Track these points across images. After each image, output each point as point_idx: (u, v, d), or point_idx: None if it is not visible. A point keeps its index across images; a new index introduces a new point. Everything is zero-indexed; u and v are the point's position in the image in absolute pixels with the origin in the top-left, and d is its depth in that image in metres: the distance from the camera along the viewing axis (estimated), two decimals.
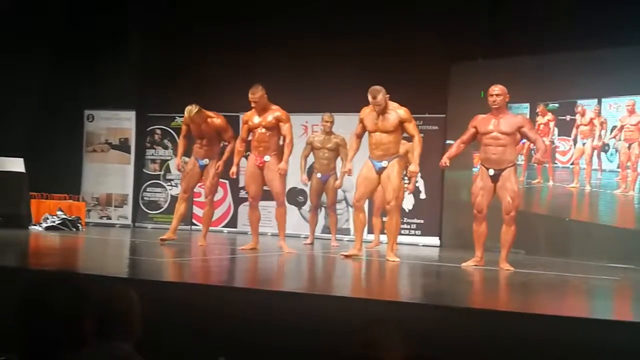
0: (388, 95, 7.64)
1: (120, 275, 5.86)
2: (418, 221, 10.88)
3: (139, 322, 2.82)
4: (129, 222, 12.12)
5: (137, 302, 2.88)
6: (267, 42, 11.20)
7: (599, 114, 9.44)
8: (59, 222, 10.44)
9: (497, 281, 6.93)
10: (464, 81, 10.48)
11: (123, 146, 12.23)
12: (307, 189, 10.45)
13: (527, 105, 10.04)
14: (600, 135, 9.45)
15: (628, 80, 9.18)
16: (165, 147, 12.07)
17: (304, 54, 10.97)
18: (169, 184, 12.02)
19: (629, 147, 9.15)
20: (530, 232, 9.42)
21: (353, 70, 10.10)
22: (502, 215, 7.42)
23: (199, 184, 9.14)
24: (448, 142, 10.57)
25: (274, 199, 8.69)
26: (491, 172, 7.44)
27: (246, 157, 8.91)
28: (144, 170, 12.22)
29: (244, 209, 11.66)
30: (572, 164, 9.75)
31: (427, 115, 10.89)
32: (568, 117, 9.76)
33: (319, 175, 9.85)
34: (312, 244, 9.81)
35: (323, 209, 10.51)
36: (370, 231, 10.04)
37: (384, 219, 8.54)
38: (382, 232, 9.12)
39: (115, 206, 12.21)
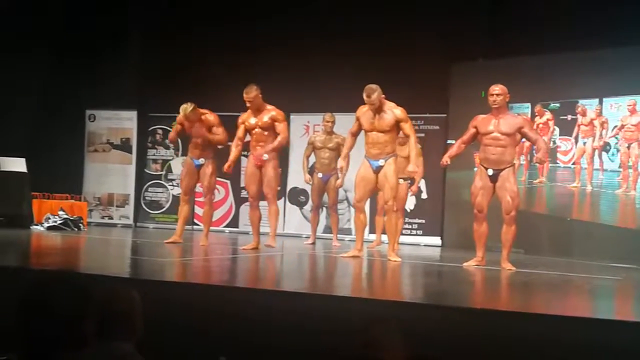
0: (384, 95, 7.64)
1: (122, 275, 5.86)
2: (419, 221, 10.88)
3: (140, 322, 2.82)
4: (130, 222, 12.13)
5: (139, 302, 2.88)
6: (267, 42, 11.20)
7: (600, 114, 9.44)
8: (61, 222, 10.45)
9: (498, 281, 6.92)
10: (464, 81, 10.48)
11: (124, 146, 12.24)
12: (308, 189, 10.45)
13: (528, 105, 10.04)
14: (601, 135, 9.45)
15: (629, 80, 9.17)
16: (167, 147, 12.07)
17: (305, 54, 10.98)
18: (171, 183, 12.02)
19: (628, 147, 9.15)
20: (531, 231, 9.42)
21: (354, 70, 10.10)
22: (502, 215, 7.43)
23: (198, 184, 9.14)
24: (449, 141, 10.58)
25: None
26: (490, 172, 7.45)
27: (246, 155, 8.93)
28: (146, 170, 12.23)
29: (245, 209, 11.66)
30: (573, 163, 9.75)
31: (428, 115, 10.89)
32: (569, 117, 9.76)
33: (320, 175, 9.86)
34: (313, 243, 9.81)
35: (324, 208, 10.51)
36: (372, 231, 10.05)
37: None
38: (383, 232, 9.11)
39: (116, 206, 12.22)
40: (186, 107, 8.50)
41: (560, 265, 8.15)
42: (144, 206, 12.18)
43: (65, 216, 10.60)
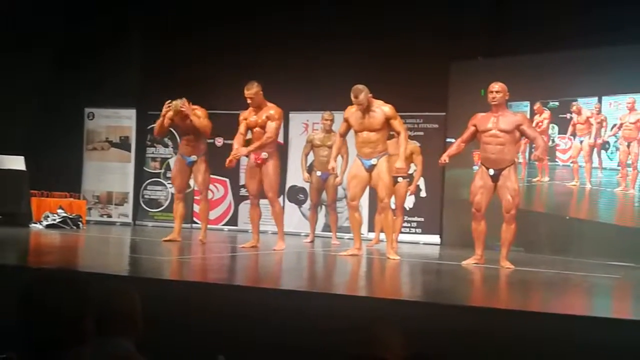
0: (370, 94, 7.65)
1: (121, 273, 5.86)
2: (418, 219, 10.88)
3: (139, 320, 2.83)
4: (129, 220, 12.13)
5: (138, 300, 2.88)
6: (266, 40, 11.20)
7: (599, 112, 9.44)
8: (60, 220, 10.45)
9: (497, 279, 6.93)
10: (464, 79, 10.48)
11: (123, 144, 12.24)
12: (307, 187, 10.45)
13: (527, 103, 10.03)
14: (600, 134, 9.44)
15: (628, 78, 9.17)
16: (166, 145, 12.07)
17: (304, 53, 10.97)
18: (170, 182, 12.01)
19: (628, 146, 9.15)
20: (530, 230, 9.42)
21: (353, 68, 10.10)
22: (503, 214, 7.44)
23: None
24: (448, 140, 10.57)
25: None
26: (491, 172, 7.45)
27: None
28: (145, 169, 12.23)
29: (244, 207, 11.66)
30: (571, 162, 9.75)
31: (427, 114, 10.89)
32: (568, 115, 9.76)
33: (319, 173, 9.86)
34: (312, 242, 9.81)
35: (323, 207, 10.52)
36: (372, 229, 10.06)
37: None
38: (382, 230, 9.12)
39: (115, 204, 12.21)
40: (177, 104, 8.47)
41: (558, 263, 8.16)
42: (142, 204, 12.18)
43: (64, 214, 10.60)
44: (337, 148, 8.15)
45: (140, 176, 12.19)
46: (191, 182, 9.67)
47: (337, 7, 10.96)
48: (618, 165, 9.27)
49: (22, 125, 11.49)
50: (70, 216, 10.62)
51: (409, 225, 10.83)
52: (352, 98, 7.61)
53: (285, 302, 4.68)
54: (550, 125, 9.95)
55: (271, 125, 8.29)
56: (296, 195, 11.31)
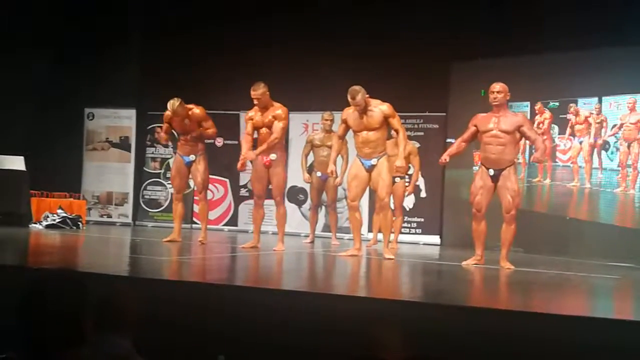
0: (367, 95, 7.65)
1: (121, 273, 5.86)
2: (418, 219, 10.88)
3: (136, 320, 2.82)
4: (129, 220, 12.13)
5: (135, 299, 2.88)
6: (267, 41, 11.20)
7: (599, 113, 9.44)
8: (60, 220, 10.45)
9: (497, 280, 6.93)
10: (464, 80, 10.48)
11: (123, 144, 12.24)
12: (307, 188, 10.45)
13: (527, 103, 10.03)
14: (600, 134, 9.44)
15: (629, 78, 9.17)
16: (166, 146, 12.06)
17: (304, 53, 10.97)
18: (170, 182, 12.01)
19: (628, 146, 9.15)
20: (530, 230, 9.42)
21: (353, 69, 10.10)
22: (503, 214, 7.44)
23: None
24: (449, 140, 10.57)
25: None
26: (491, 172, 7.45)
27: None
28: (145, 169, 12.23)
29: (244, 207, 11.67)
30: (571, 162, 9.75)
31: (427, 114, 10.90)
32: (568, 116, 9.76)
33: (319, 173, 9.86)
34: (312, 242, 9.81)
35: (323, 207, 10.52)
36: (370, 229, 10.06)
37: None
38: (380, 230, 9.12)
39: (115, 204, 12.21)
40: (173, 102, 8.47)
41: (558, 264, 8.15)
42: (142, 204, 12.18)
43: (64, 215, 10.59)
44: (336, 150, 8.15)
45: (140, 176, 12.19)
46: (191, 183, 9.68)
47: (337, 8, 10.95)
48: (618, 166, 9.27)
49: (22, 125, 11.49)
50: (70, 216, 10.61)
51: (409, 225, 10.83)
52: (349, 99, 7.62)
53: (285, 303, 4.67)
54: (551, 125, 9.95)
55: (278, 126, 8.26)
56: (296, 195, 11.31)
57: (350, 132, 7.98)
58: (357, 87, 7.62)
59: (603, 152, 9.43)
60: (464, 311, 4.54)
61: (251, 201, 11.26)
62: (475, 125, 7.60)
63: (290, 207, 11.33)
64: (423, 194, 10.82)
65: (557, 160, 9.94)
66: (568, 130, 9.70)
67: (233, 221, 11.78)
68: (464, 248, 8.61)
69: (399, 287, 6.48)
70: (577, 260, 8.56)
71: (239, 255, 8.16)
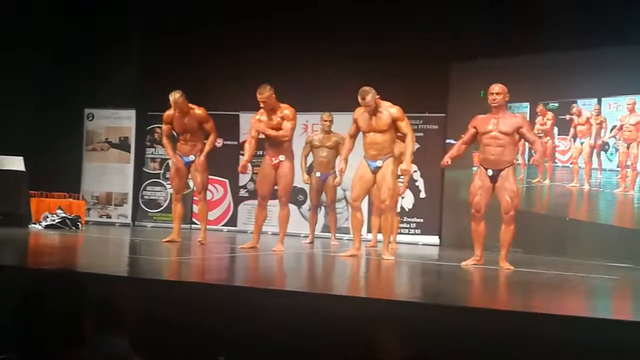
0: (378, 96, 7.65)
1: (120, 274, 5.86)
2: (418, 220, 10.88)
3: (135, 320, 2.83)
4: (128, 220, 12.13)
5: (133, 299, 2.88)
6: (267, 41, 11.20)
7: (599, 113, 9.44)
8: (59, 220, 10.45)
9: (496, 280, 6.93)
10: (464, 80, 10.48)
11: (123, 145, 12.24)
12: (306, 188, 10.45)
13: (527, 104, 10.04)
14: (600, 135, 9.44)
15: (628, 79, 9.17)
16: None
17: (303, 54, 10.97)
18: (169, 182, 12.02)
19: (627, 147, 9.15)
20: (529, 231, 9.42)
21: (352, 69, 10.10)
22: (501, 215, 7.44)
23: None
24: (448, 141, 10.58)
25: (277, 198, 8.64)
26: (490, 172, 7.46)
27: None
28: (144, 169, 12.23)
29: (243, 207, 11.68)
30: (571, 163, 9.75)
31: (427, 115, 10.89)
32: (568, 117, 9.76)
33: (318, 174, 9.86)
34: (312, 242, 9.81)
35: (323, 207, 10.52)
36: (369, 231, 10.06)
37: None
38: (379, 232, 9.11)
39: (115, 205, 12.21)
40: (174, 93, 8.46)
41: (558, 264, 8.15)
42: (142, 205, 12.18)
43: (64, 215, 10.59)
44: (347, 149, 8.09)
45: (140, 177, 12.20)
46: (190, 183, 9.68)
47: (337, 8, 10.96)
48: (618, 167, 9.27)
49: (22, 125, 11.48)
50: (69, 217, 10.61)
51: (408, 226, 10.84)
52: (360, 100, 7.62)
53: (285, 303, 4.67)
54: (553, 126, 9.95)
55: (287, 125, 8.23)
56: (295, 195, 11.30)
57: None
58: (367, 88, 7.63)
59: (602, 153, 9.43)
60: (464, 312, 4.54)
61: (251, 201, 11.31)
62: (475, 127, 7.61)
63: (289, 207, 11.34)
64: (422, 195, 10.83)
65: (556, 161, 9.95)
66: (571, 131, 9.69)
67: (232, 221, 11.78)
68: (463, 248, 8.62)
69: (399, 288, 6.48)
70: (577, 261, 8.56)
71: (238, 256, 8.16)
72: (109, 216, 12.19)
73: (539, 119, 9.97)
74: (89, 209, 11.97)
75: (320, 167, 9.81)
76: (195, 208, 10.48)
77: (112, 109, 12.19)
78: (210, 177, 9.22)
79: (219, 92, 11.15)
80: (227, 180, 11.77)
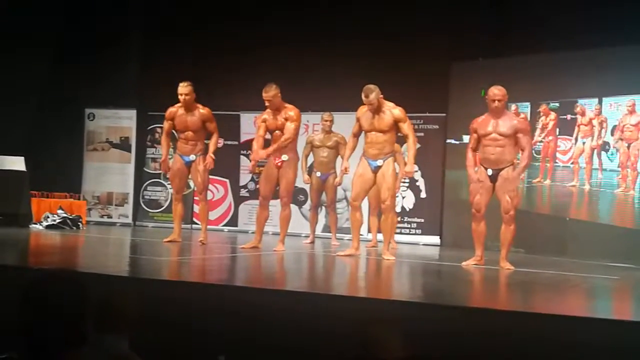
0: (382, 95, 7.65)
1: (121, 274, 5.86)
2: (418, 220, 10.88)
3: (136, 320, 2.83)
4: (129, 220, 12.13)
5: (132, 298, 2.88)
6: (267, 41, 11.20)
7: (599, 113, 9.44)
8: (60, 220, 10.45)
9: (497, 280, 6.94)
10: (464, 80, 10.48)
11: (124, 145, 12.24)
12: (307, 188, 10.45)
13: (528, 104, 10.04)
14: (600, 135, 9.44)
15: (629, 79, 9.17)
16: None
17: (304, 53, 10.97)
18: (170, 182, 12.01)
19: (628, 147, 9.15)
20: (530, 231, 9.42)
21: (353, 69, 10.10)
22: (502, 214, 7.44)
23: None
24: (448, 141, 10.59)
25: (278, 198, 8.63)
26: (490, 171, 7.45)
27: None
28: (145, 169, 12.23)
29: (244, 207, 11.67)
30: (572, 163, 9.75)
31: (427, 114, 10.89)
32: (569, 117, 9.76)
33: (318, 174, 9.86)
34: (312, 242, 9.81)
35: (323, 207, 10.52)
36: (369, 230, 10.07)
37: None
38: (379, 231, 9.12)
39: (115, 205, 12.21)
40: (184, 83, 8.49)
41: (558, 264, 8.15)
42: (143, 205, 12.18)
43: (64, 215, 10.59)
44: (350, 148, 8.09)
45: (141, 177, 12.19)
46: (191, 183, 9.67)
47: (338, 8, 10.96)
48: (618, 167, 9.27)
49: (22, 125, 11.49)
50: (70, 217, 10.61)
51: (408, 226, 10.84)
52: (363, 98, 7.62)
53: (285, 303, 4.68)
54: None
55: (290, 127, 8.22)
56: (296, 195, 11.30)
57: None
58: (371, 86, 7.63)
59: (603, 153, 9.43)
60: (464, 311, 4.54)
61: (251, 201, 11.31)
62: (475, 131, 7.60)
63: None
64: (423, 195, 10.83)
65: (557, 161, 9.94)
66: (575, 130, 9.68)
67: (233, 221, 11.78)
68: (464, 248, 8.62)
69: (399, 288, 6.48)
70: (577, 261, 8.56)
71: (239, 256, 8.16)
72: (109, 216, 12.19)
73: (541, 119, 9.96)
74: (89, 209, 11.97)
75: (321, 167, 9.81)
76: (196, 208, 10.48)
77: (112, 108, 12.19)
78: (210, 177, 9.21)
79: (220, 92, 11.14)
80: (227, 180, 11.77)
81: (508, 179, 7.37)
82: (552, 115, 9.92)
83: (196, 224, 10.79)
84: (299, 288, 5.69)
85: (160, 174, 12.11)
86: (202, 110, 8.64)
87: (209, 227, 9.15)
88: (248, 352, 4.18)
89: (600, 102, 9.44)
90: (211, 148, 8.68)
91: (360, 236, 8.29)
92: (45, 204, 10.88)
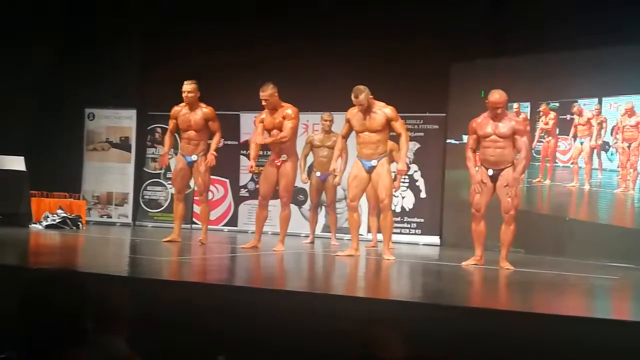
0: (372, 96, 7.66)
1: (121, 273, 5.86)
2: (418, 220, 10.88)
3: (136, 320, 2.83)
4: (129, 220, 12.13)
5: (135, 299, 2.89)
6: (267, 41, 11.19)
7: (599, 113, 9.43)
8: (60, 220, 10.45)
9: (497, 280, 6.94)
10: (464, 80, 10.48)
11: (123, 145, 12.24)
12: (307, 188, 10.45)
13: (528, 104, 10.04)
14: (600, 135, 9.44)
15: (629, 79, 9.16)
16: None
17: (304, 54, 10.97)
18: (170, 182, 12.01)
19: (628, 147, 9.15)
20: (530, 231, 9.42)
21: (353, 69, 10.10)
22: (502, 214, 7.44)
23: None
24: (448, 141, 10.59)
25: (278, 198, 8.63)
26: (490, 172, 7.46)
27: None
28: (145, 169, 12.23)
29: (244, 207, 11.67)
30: (571, 163, 9.75)
31: (427, 114, 10.89)
32: (568, 117, 9.76)
33: (318, 174, 9.86)
34: (312, 242, 9.81)
35: (323, 207, 10.52)
36: (369, 230, 10.07)
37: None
38: (378, 231, 9.12)
39: (115, 205, 12.21)
40: (190, 81, 8.53)
41: (558, 264, 8.16)
42: (142, 205, 12.18)
43: (64, 215, 10.59)
44: (339, 149, 8.16)
45: (140, 177, 12.19)
46: (191, 183, 9.66)
47: (337, 8, 10.96)
48: (618, 167, 9.27)
49: (22, 125, 11.48)
50: (70, 216, 10.61)
51: (408, 226, 10.84)
52: (353, 98, 7.63)
53: (285, 303, 4.68)
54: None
55: (287, 125, 8.22)
56: (296, 196, 11.30)
57: (353, 133, 7.98)
58: (361, 87, 7.63)
59: (603, 153, 9.43)
60: (464, 311, 4.54)
61: (251, 201, 11.31)
62: (475, 132, 7.60)
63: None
64: (423, 195, 10.83)
65: (557, 161, 9.94)
66: (572, 130, 9.69)
67: (233, 221, 11.78)
68: (464, 248, 8.62)
69: (399, 288, 6.48)
70: (577, 261, 8.56)
71: (239, 256, 8.16)
72: (109, 216, 12.19)
73: (542, 119, 9.96)
74: (89, 209, 11.97)
75: (321, 166, 9.81)
76: (196, 208, 10.48)
77: (112, 108, 12.19)
78: (210, 177, 9.20)
79: (220, 92, 11.12)
80: (227, 180, 11.77)
81: (508, 182, 7.37)
82: (552, 115, 9.92)
83: (196, 224, 10.79)
84: (299, 288, 5.69)
85: (160, 173, 12.11)
86: (205, 109, 8.65)
87: (208, 227, 9.14)
88: (248, 352, 4.17)
89: (600, 103, 9.44)
90: (213, 146, 8.67)
91: (360, 236, 8.29)
92: (45, 204, 10.88)
